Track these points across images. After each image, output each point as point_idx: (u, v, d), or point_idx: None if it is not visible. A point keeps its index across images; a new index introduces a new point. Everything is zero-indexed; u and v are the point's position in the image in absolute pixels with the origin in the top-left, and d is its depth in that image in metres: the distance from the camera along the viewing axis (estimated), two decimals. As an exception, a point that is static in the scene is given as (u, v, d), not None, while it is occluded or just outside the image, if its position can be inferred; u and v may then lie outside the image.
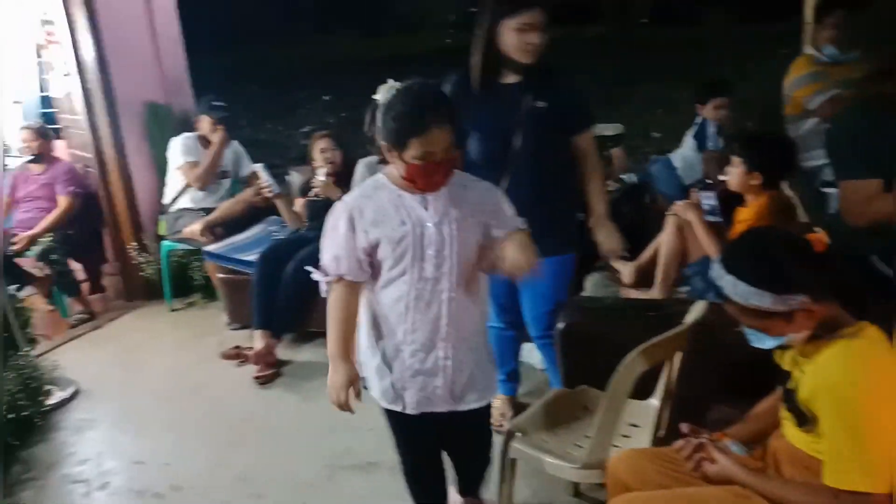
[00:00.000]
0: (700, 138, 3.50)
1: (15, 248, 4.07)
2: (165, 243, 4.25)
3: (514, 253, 1.69)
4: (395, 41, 15.57)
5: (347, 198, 1.80)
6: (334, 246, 1.77)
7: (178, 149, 4.13)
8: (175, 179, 4.21)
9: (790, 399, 1.55)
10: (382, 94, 1.71)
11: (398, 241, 1.74)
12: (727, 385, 2.13)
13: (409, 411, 1.88)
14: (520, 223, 1.82)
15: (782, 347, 1.58)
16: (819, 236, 1.48)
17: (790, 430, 1.59)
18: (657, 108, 6.66)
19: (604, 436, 1.83)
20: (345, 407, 1.81)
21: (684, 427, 1.71)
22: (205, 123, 4.16)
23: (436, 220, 1.74)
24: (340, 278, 1.79)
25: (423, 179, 1.69)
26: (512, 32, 2.22)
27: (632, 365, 1.78)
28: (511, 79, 2.34)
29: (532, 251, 1.70)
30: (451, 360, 1.83)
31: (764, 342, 1.52)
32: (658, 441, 1.96)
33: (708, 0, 14.41)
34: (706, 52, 9.23)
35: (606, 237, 2.47)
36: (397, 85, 1.71)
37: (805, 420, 1.50)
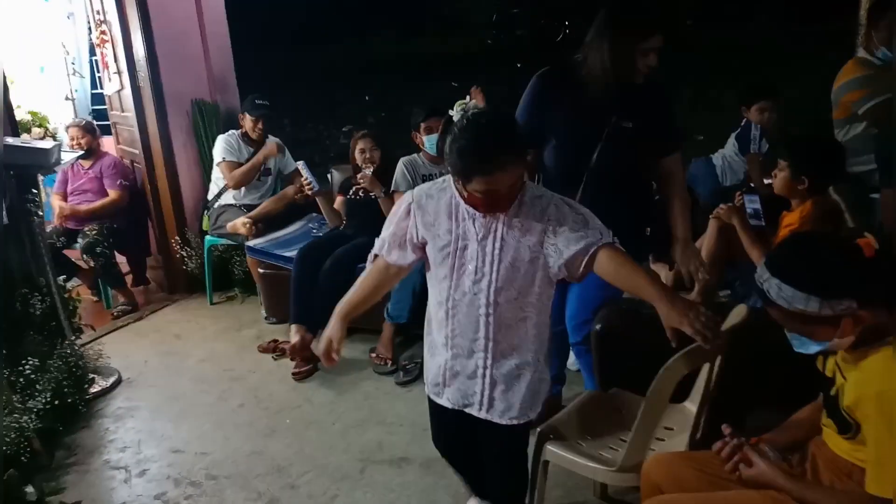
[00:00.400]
0: (743, 140, 3.44)
1: (57, 221, 4.23)
2: (208, 238, 4.34)
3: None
4: (436, 41, 15.61)
5: (417, 189, 1.84)
6: (389, 226, 1.85)
7: (220, 147, 4.22)
8: (218, 176, 4.29)
9: (832, 406, 1.51)
10: (455, 114, 1.71)
11: (441, 248, 1.77)
12: (765, 391, 2.10)
13: (447, 406, 1.90)
14: (596, 239, 1.67)
15: (825, 353, 1.54)
16: (868, 241, 1.43)
17: (831, 438, 1.56)
18: (702, 110, 6.55)
19: (642, 439, 1.80)
20: (323, 359, 1.87)
21: (726, 428, 1.68)
22: (248, 121, 4.23)
23: (480, 236, 1.73)
24: (378, 256, 1.88)
25: (484, 207, 1.69)
26: (634, 55, 2.23)
27: (674, 368, 1.74)
28: (600, 93, 2.29)
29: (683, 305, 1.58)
30: (490, 370, 1.82)
31: (808, 347, 1.49)
32: (694, 445, 1.93)
33: (756, 0, 14.11)
34: (753, 54, 9.04)
35: (687, 260, 2.43)
36: (470, 107, 1.69)
37: (848, 427, 1.47)
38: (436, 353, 1.90)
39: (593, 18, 2.31)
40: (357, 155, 3.81)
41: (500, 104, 2.66)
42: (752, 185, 3.36)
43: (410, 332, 3.53)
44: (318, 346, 1.89)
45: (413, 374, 3.29)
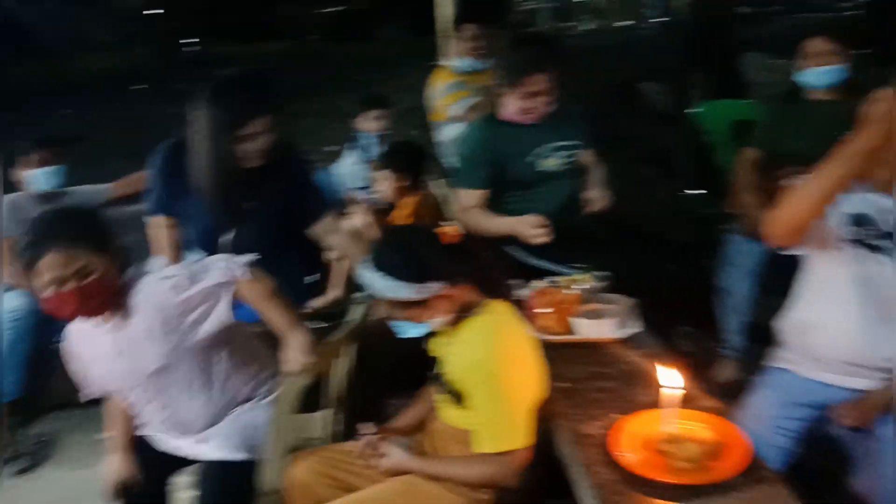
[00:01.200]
0: (360, 149, 3.67)
1: None
2: None
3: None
4: None
5: None
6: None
7: None
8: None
9: (441, 382, 1.67)
10: None
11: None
12: (399, 379, 2.23)
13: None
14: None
15: (431, 334, 1.69)
16: (447, 229, 1.61)
17: (447, 411, 1.71)
18: (331, 121, 6.86)
19: (275, 458, 1.78)
20: None
21: (360, 427, 1.75)
22: None
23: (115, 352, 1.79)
24: None
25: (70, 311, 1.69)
26: (232, 143, 2.02)
27: (287, 387, 1.77)
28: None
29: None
30: None
31: (413, 331, 1.62)
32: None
33: (379, 17, 15.26)
34: (380, 66, 9.72)
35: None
36: None
37: (457, 399, 1.63)
38: None
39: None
40: None
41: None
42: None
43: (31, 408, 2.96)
44: None
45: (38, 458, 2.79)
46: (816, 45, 2.65)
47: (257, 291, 1.78)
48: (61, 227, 1.66)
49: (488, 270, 1.67)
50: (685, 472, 1.35)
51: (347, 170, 3.69)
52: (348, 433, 1.78)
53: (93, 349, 1.79)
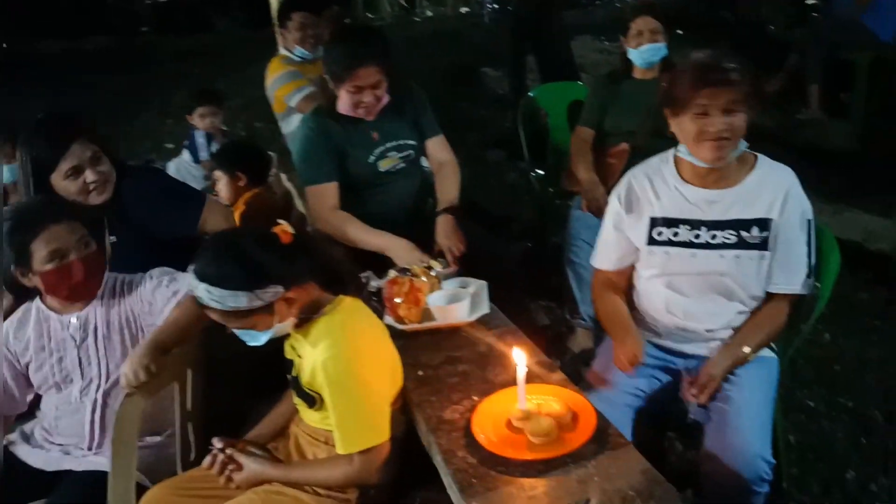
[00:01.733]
0: (192, 148, 3.48)
1: None
2: None
3: None
4: None
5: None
6: None
7: None
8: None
9: (297, 385, 1.60)
10: None
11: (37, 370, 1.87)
12: (255, 387, 2.14)
13: None
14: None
15: (282, 340, 1.62)
16: (283, 227, 1.53)
17: (305, 413, 1.66)
18: (167, 118, 6.48)
19: (121, 484, 1.63)
20: None
21: (216, 441, 1.65)
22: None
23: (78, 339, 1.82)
24: None
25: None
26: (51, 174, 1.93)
27: (128, 407, 1.63)
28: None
29: None
30: None
31: (256, 339, 1.54)
32: (192, 464, 1.85)
33: (213, 8, 14.50)
34: (218, 59, 9.26)
35: None
36: None
37: (313, 401, 1.57)
38: None
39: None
40: None
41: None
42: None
43: None
44: None
45: None
46: (641, 23, 2.79)
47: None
48: (55, 207, 1.79)
49: (331, 266, 1.61)
50: (540, 446, 1.38)
51: (183, 169, 3.47)
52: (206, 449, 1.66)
53: (51, 336, 1.81)
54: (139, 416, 1.65)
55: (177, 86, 7.44)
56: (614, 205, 1.91)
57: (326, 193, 2.33)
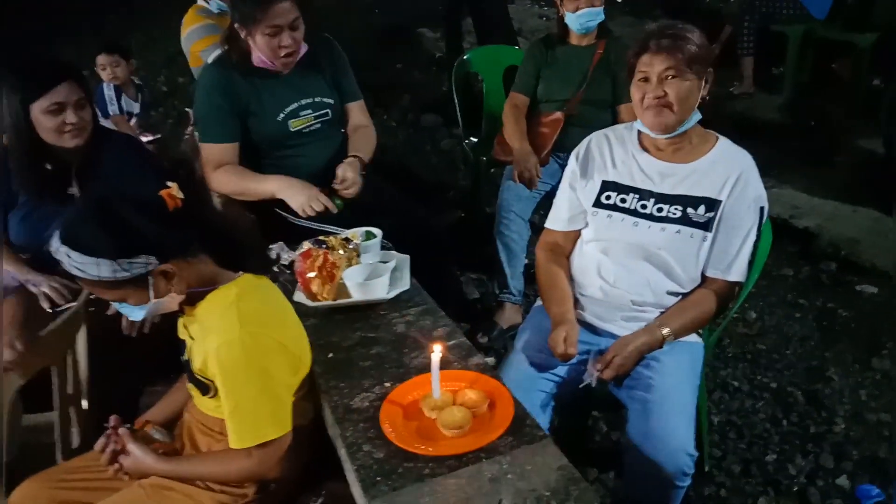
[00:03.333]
0: (101, 103, 3.20)
1: None
2: None
3: None
4: None
5: None
6: None
7: None
8: None
9: (188, 369, 1.45)
10: None
11: None
12: (156, 362, 1.96)
13: None
14: None
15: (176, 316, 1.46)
16: (171, 192, 1.35)
17: (199, 401, 1.50)
18: (85, 70, 6.06)
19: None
20: None
21: (113, 420, 1.48)
22: None
23: None
24: None
25: None
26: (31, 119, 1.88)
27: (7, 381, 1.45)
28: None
29: None
30: None
31: (133, 313, 1.38)
32: (74, 453, 1.69)
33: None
34: (134, 11, 8.68)
35: None
36: None
37: (206, 388, 1.42)
38: None
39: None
40: None
41: None
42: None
43: None
44: None
45: None
46: None
47: None
48: None
49: (227, 239, 1.44)
50: (452, 440, 1.28)
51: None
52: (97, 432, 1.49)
53: None
54: (9, 397, 1.46)
55: (94, 41, 6.96)
56: (571, 164, 1.90)
57: (221, 153, 2.16)
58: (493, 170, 3.51)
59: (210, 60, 3.03)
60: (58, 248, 1.28)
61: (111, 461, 1.43)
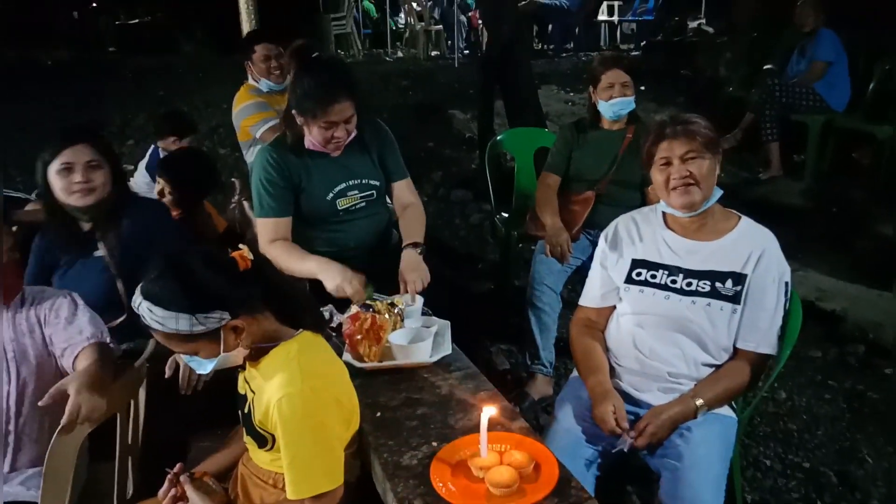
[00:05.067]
0: (151, 168, 3.38)
1: None
2: None
3: None
4: None
5: None
6: None
7: None
8: None
9: (248, 423, 1.52)
10: None
11: None
12: (205, 418, 2.03)
13: None
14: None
15: (234, 372, 1.54)
16: (242, 253, 1.46)
17: (255, 453, 1.57)
18: (128, 139, 6.34)
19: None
20: None
21: (177, 467, 1.54)
22: None
23: None
24: None
25: None
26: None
27: (64, 437, 1.52)
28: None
29: None
30: None
31: (202, 367, 1.46)
32: (128, 502, 1.74)
33: (180, 31, 14.35)
34: (181, 81, 9.14)
35: None
36: None
37: (264, 441, 1.49)
38: None
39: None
40: None
41: None
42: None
43: None
44: None
45: None
46: (612, 76, 2.81)
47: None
48: None
49: (287, 298, 1.53)
50: (500, 498, 1.33)
51: (138, 188, 3.36)
52: (151, 484, 1.55)
53: None
54: (76, 448, 1.54)
55: (138, 106, 7.34)
56: (601, 244, 2.00)
57: (275, 227, 2.26)
58: (521, 245, 3.63)
59: (259, 135, 3.24)
60: (140, 304, 1.37)
61: None
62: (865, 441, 2.58)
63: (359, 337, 1.85)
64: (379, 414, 1.66)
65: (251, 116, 3.29)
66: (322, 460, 1.42)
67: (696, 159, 1.77)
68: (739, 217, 1.88)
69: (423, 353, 1.87)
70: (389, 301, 2.03)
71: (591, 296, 1.99)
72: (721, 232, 1.84)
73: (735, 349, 1.80)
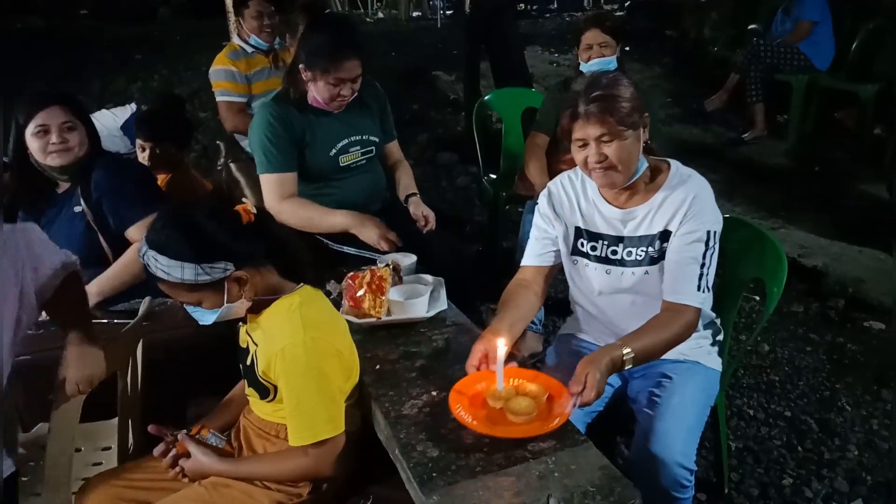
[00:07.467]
0: (129, 130, 3.36)
1: None
2: None
3: None
4: None
5: None
6: None
7: None
8: None
9: (251, 375, 1.55)
10: None
11: None
12: (202, 374, 2.06)
13: None
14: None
15: (241, 321, 1.57)
16: (246, 206, 1.48)
17: (257, 405, 1.60)
18: (110, 103, 6.25)
19: (58, 475, 1.55)
20: None
21: (151, 429, 1.59)
22: None
23: None
24: None
25: None
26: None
27: (64, 413, 1.54)
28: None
29: None
30: None
31: (205, 317, 1.48)
32: (130, 457, 1.78)
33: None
34: (161, 47, 8.97)
35: None
36: None
37: (266, 392, 1.52)
38: None
39: None
40: None
41: None
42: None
43: None
44: None
45: None
46: (591, 36, 2.81)
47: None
48: None
49: (290, 252, 1.56)
50: (520, 426, 1.39)
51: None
52: (150, 440, 1.59)
53: None
54: (76, 418, 1.56)
55: (116, 72, 7.21)
56: (542, 202, 1.89)
57: (284, 183, 2.26)
58: (508, 206, 3.65)
59: (217, 99, 3.23)
60: (146, 253, 1.40)
61: (173, 465, 1.53)
62: (844, 390, 2.67)
63: (362, 292, 1.87)
64: (378, 367, 1.69)
65: (218, 82, 3.31)
66: (324, 408, 1.46)
67: (612, 142, 1.62)
68: (669, 166, 1.76)
69: (421, 308, 1.90)
70: (385, 262, 2.04)
71: (527, 254, 1.91)
72: (651, 192, 1.74)
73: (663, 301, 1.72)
